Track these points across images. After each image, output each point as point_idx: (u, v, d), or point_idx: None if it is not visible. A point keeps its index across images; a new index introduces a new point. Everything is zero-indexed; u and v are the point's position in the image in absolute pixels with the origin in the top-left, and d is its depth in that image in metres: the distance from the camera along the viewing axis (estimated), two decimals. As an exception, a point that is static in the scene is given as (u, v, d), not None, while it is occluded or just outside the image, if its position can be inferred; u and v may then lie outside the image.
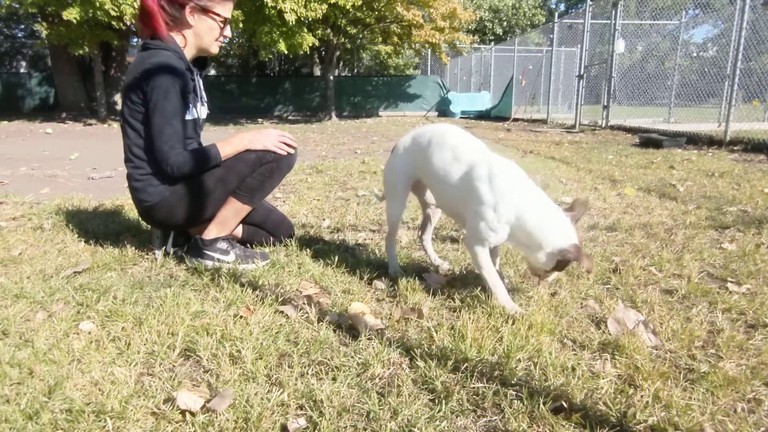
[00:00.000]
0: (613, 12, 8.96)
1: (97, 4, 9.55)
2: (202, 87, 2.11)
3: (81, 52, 11.05)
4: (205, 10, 1.93)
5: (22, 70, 20.05)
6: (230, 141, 1.99)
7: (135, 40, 13.72)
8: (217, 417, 1.08)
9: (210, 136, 2.32)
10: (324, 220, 2.80)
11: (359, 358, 1.32)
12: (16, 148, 7.07)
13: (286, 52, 11.56)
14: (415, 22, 12.99)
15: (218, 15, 1.96)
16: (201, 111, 2.08)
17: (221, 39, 2.03)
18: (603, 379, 1.22)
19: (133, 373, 1.23)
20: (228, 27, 2.03)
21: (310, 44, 11.72)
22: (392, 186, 1.93)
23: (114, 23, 10.12)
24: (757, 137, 6.02)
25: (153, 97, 1.85)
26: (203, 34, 1.98)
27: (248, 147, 1.98)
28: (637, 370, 1.25)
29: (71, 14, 9.55)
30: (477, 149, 1.69)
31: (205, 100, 2.15)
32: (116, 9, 9.74)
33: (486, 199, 1.56)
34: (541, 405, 1.10)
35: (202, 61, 2.12)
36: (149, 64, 1.85)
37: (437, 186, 1.77)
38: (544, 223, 1.54)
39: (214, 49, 2.04)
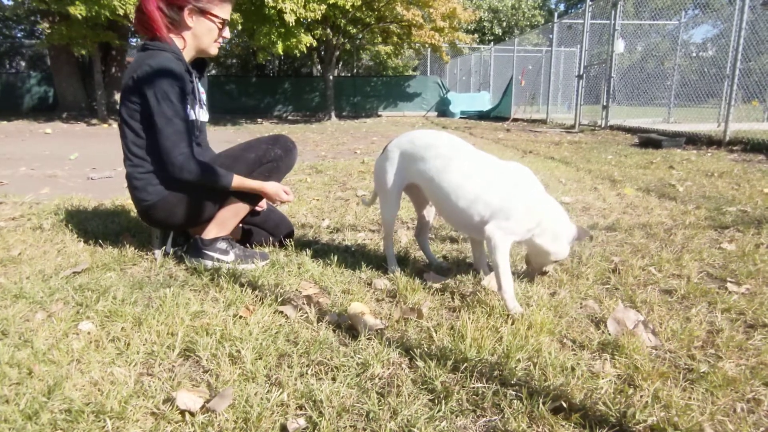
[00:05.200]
0: (613, 12, 8.96)
1: (104, 2, 9.51)
2: (201, 90, 2.10)
3: (83, 52, 11.03)
4: (203, 12, 1.93)
5: (21, 70, 20.02)
6: (248, 181, 2.00)
7: (134, 40, 13.70)
8: (216, 417, 1.08)
9: (210, 136, 2.31)
10: (323, 220, 2.80)
11: (359, 358, 1.32)
12: (16, 148, 7.06)
13: (282, 53, 11.53)
14: (414, 22, 12.98)
15: (217, 17, 1.96)
16: (200, 114, 2.06)
17: (220, 40, 2.03)
18: (602, 379, 1.23)
19: (132, 373, 1.23)
20: (227, 28, 2.03)
21: (307, 44, 11.69)
22: (384, 189, 1.91)
23: (119, 21, 10.07)
24: (756, 137, 6.02)
25: (152, 99, 1.84)
26: (202, 36, 1.98)
27: (263, 190, 2.01)
28: (637, 370, 1.25)
29: (77, 10, 9.50)
30: (483, 156, 1.74)
31: (205, 103, 2.14)
32: (123, 7, 9.69)
33: (513, 199, 1.65)
34: (541, 405, 1.10)
35: (200, 63, 2.11)
36: (148, 66, 1.85)
37: (439, 194, 1.75)
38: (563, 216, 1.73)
39: (213, 51, 2.04)
